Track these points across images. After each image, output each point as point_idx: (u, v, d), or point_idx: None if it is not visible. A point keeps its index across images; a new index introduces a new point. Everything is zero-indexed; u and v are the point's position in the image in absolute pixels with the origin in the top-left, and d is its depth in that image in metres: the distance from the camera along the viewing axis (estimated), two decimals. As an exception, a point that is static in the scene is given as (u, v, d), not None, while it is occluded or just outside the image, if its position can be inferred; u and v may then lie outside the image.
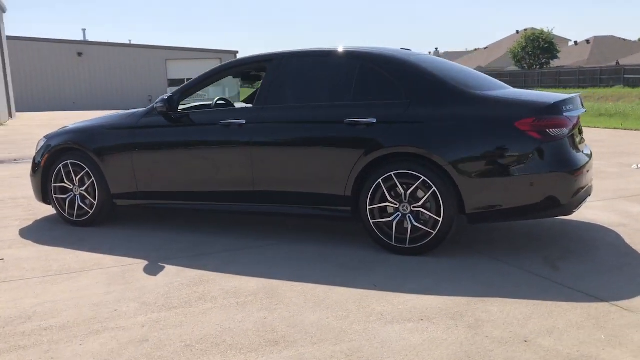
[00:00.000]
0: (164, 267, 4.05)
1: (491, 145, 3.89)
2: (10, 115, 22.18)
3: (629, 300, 3.20)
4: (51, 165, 5.33)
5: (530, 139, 3.81)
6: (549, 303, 3.19)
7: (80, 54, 40.33)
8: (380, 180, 4.09)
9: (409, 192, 4.03)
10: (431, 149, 3.96)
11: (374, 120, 4.12)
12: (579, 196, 3.94)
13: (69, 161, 5.22)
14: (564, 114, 3.93)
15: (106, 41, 42.03)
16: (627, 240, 4.39)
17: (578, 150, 4.09)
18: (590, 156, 4.28)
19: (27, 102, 36.63)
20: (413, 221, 4.05)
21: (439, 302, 3.27)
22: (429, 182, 3.94)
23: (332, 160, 4.26)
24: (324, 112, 4.37)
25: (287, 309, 3.23)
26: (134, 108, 6.16)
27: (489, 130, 3.91)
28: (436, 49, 79.82)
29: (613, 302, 3.17)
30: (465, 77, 4.47)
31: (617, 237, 4.50)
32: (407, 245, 4.09)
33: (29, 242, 4.81)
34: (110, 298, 3.47)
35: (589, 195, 4.26)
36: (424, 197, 3.99)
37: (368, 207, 4.17)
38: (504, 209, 3.93)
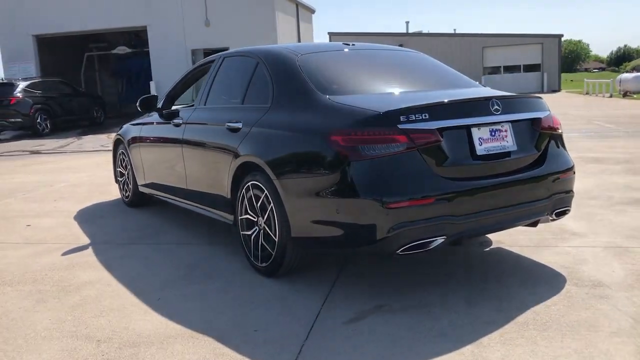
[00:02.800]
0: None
1: (310, 161, 3.30)
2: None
3: None
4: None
5: (339, 156, 3.10)
6: None
7: (401, 46, 42.87)
8: (243, 190, 3.85)
9: (259, 205, 3.70)
10: (266, 159, 3.56)
11: (240, 125, 3.89)
12: (407, 233, 3.01)
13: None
14: (402, 126, 3.04)
15: (426, 32, 43.66)
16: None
17: (431, 174, 3.08)
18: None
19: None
20: (261, 238, 3.71)
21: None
22: (270, 197, 3.56)
23: (217, 164, 4.17)
24: (219, 114, 4.29)
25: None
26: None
27: (309, 142, 3.32)
28: None
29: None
30: (376, 78, 3.82)
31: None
32: (260, 264, 3.77)
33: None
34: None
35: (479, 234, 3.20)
36: (267, 212, 3.62)
37: (238, 218, 3.96)
38: (319, 237, 3.30)
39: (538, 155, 3.51)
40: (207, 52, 21.96)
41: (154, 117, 5.40)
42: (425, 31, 46.34)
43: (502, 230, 3.61)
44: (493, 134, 3.31)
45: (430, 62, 4.36)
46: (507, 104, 3.39)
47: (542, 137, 3.54)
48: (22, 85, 17.04)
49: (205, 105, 4.59)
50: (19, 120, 16.64)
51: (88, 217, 5.83)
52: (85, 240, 4.93)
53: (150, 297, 3.52)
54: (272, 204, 3.52)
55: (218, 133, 4.14)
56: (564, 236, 4.39)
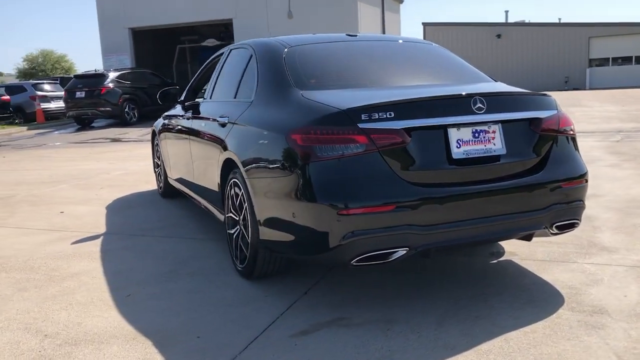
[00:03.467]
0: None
1: (274, 160, 3.09)
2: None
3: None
4: None
5: (297, 156, 2.88)
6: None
7: (499, 36, 41.03)
8: (228, 187, 3.73)
9: (237, 204, 3.57)
10: (241, 157, 3.41)
11: (226, 120, 3.76)
12: (362, 242, 2.74)
13: None
14: (362, 125, 2.77)
15: (527, 21, 41.52)
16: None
17: (394, 179, 2.78)
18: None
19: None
20: (240, 237, 3.58)
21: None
22: (244, 195, 3.41)
23: (210, 159, 4.08)
24: (216, 108, 4.20)
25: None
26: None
27: (274, 141, 3.11)
28: None
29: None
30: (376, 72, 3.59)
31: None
32: (239, 265, 3.64)
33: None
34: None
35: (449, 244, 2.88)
36: (243, 211, 3.48)
37: (225, 215, 3.85)
38: (280, 242, 3.10)
39: (537, 160, 3.09)
40: (289, 44, 22.16)
41: (177, 109, 5.40)
42: (527, 20, 44.09)
43: (483, 243, 3.24)
44: (477, 135, 2.95)
45: (438, 56, 4.00)
46: (497, 102, 3.02)
47: (543, 140, 3.12)
48: (112, 75, 17.97)
49: (210, 98, 4.51)
50: (108, 109, 17.57)
51: (120, 207, 5.96)
52: (102, 229, 5.03)
53: (122, 292, 3.49)
54: (245, 203, 3.38)
55: (212, 127, 4.04)
56: (590, 251, 3.89)
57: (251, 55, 3.91)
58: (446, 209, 2.82)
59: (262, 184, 3.17)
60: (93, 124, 18.88)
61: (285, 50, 3.67)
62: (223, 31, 25.06)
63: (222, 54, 4.77)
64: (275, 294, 3.34)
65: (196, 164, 4.55)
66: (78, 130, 17.53)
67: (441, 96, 2.99)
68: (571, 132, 3.28)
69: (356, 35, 4.04)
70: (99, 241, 4.65)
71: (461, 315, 2.95)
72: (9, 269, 4.04)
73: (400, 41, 4.16)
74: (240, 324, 2.96)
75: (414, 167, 2.82)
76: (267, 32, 21.60)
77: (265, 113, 3.34)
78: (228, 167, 3.69)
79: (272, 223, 3.10)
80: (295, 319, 2.98)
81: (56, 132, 17.39)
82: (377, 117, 2.78)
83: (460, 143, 2.91)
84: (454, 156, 2.88)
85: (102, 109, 17.55)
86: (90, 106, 17.51)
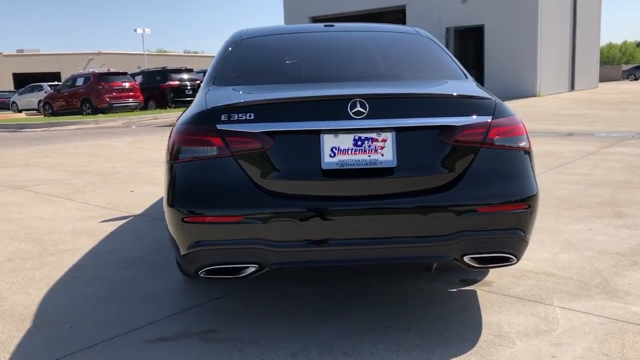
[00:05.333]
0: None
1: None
2: (572, 87, 22.30)
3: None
4: None
5: (168, 156, 2.74)
6: None
7: None
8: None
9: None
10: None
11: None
12: (206, 254, 2.52)
13: None
14: (221, 126, 2.53)
15: None
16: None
17: (248, 188, 2.49)
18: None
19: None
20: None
21: None
22: None
23: None
24: None
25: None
26: None
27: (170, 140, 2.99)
28: None
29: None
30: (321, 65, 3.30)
31: None
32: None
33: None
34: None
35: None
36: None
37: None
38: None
39: (450, 176, 2.55)
40: (460, 30, 21.07)
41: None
42: None
43: (360, 265, 2.77)
44: (359, 144, 2.52)
45: (410, 50, 3.47)
46: (390, 106, 2.54)
47: (458, 153, 2.55)
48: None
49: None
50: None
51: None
52: (140, 211, 5.36)
53: (86, 274, 3.67)
54: None
55: None
56: (590, 293, 3.12)
57: None
58: (305, 226, 2.47)
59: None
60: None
61: (238, 41, 3.50)
62: (400, 18, 24.82)
63: None
64: (193, 294, 3.26)
65: None
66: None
67: (311, 97, 2.61)
68: (513, 146, 2.63)
69: (333, 26, 3.70)
70: (121, 223, 4.96)
71: (334, 348, 2.58)
72: (27, 239, 4.52)
73: (380, 32, 3.71)
74: (123, 320, 2.94)
75: (278, 176, 2.51)
76: (438, 18, 20.88)
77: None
78: None
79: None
80: (170, 324, 2.88)
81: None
82: (236, 118, 2.53)
83: (336, 151, 2.51)
84: (324, 166, 2.50)
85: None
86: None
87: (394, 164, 2.51)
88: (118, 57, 64.40)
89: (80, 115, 20.56)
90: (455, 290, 3.23)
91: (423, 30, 3.70)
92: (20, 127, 17.60)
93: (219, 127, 2.54)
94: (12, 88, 49.12)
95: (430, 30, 20.78)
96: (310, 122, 2.51)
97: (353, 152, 2.51)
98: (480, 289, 3.21)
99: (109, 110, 20.98)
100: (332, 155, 2.50)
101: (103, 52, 63.94)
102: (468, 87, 2.92)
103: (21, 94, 32.93)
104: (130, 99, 21.89)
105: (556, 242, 4.01)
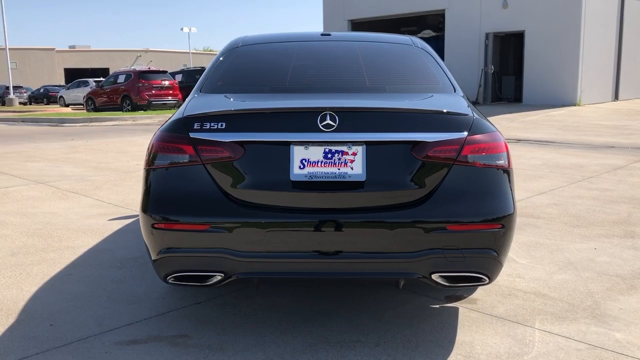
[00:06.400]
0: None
1: None
2: (616, 97, 21.55)
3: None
4: None
5: (146, 162, 2.79)
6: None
7: None
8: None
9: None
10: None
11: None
12: (174, 260, 2.55)
13: None
14: (193, 134, 2.56)
15: None
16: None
17: (216, 197, 2.51)
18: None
19: None
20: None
21: None
22: None
23: None
24: None
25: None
26: None
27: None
28: None
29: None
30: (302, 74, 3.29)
31: None
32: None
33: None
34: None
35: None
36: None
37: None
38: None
39: (420, 192, 2.50)
40: (499, 36, 20.67)
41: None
42: None
43: (327, 279, 2.75)
44: (329, 156, 2.50)
45: (402, 63, 3.43)
46: (361, 120, 2.52)
47: (430, 169, 2.51)
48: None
49: None
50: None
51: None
52: (150, 210, 5.44)
53: (80, 272, 3.76)
54: None
55: None
56: (576, 316, 3.03)
57: None
58: (271, 237, 2.47)
59: None
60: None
61: (232, 49, 3.53)
62: (441, 22, 24.52)
63: None
64: (175, 298, 3.30)
65: None
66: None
67: (282, 109, 2.61)
68: (489, 163, 2.56)
69: (330, 35, 3.68)
70: (129, 221, 5.06)
71: (298, 361, 2.57)
72: (31, 234, 4.66)
73: (374, 42, 3.67)
74: (102, 320, 3.00)
75: (247, 186, 2.52)
76: (478, 22, 20.54)
77: None
78: None
79: None
80: (145, 327, 2.92)
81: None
82: (208, 127, 2.56)
83: (306, 163, 2.50)
84: (292, 177, 2.49)
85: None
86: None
87: (364, 178, 2.49)
88: (165, 54, 65.85)
89: (119, 112, 21.08)
90: (437, 306, 3.18)
91: (419, 40, 3.65)
92: (61, 121, 18.18)
93: (192, 135, 2.57)
94: (63, 82, 50.80)
95: (470, 35, 20.56)
96: (281, 134, 2.51)
97: (323, 165, 2.50)
98: (463, 306, 3.15)
99: (148, 107, 21.46)
100: (302, 167, 2.50)
101: (151, 49, 65.53)
102: (450, 101, 2.87)
103: (68, 88, 34.05)
104: (169, 97, 22.33)
105: (555, 261, 3.89)
